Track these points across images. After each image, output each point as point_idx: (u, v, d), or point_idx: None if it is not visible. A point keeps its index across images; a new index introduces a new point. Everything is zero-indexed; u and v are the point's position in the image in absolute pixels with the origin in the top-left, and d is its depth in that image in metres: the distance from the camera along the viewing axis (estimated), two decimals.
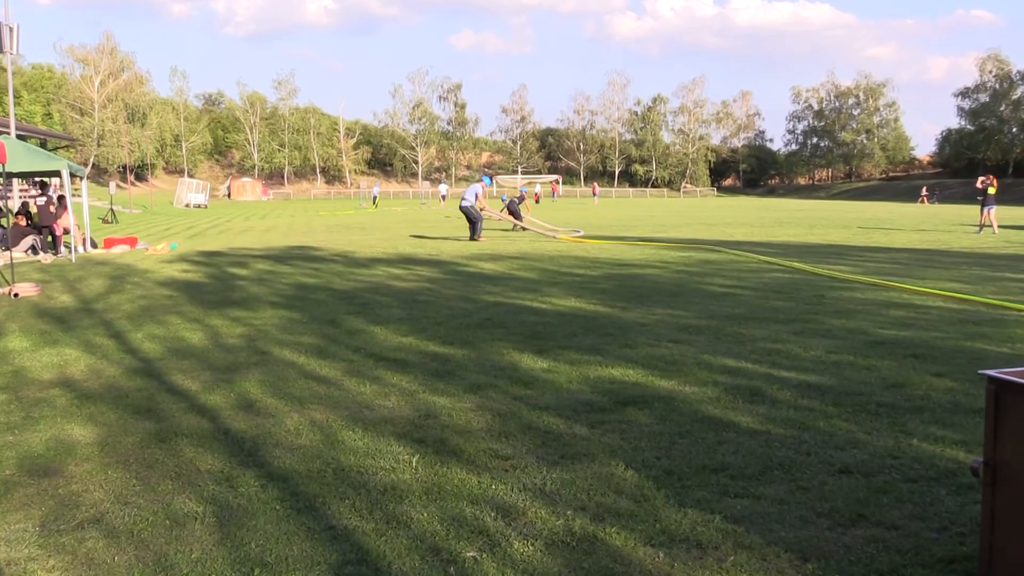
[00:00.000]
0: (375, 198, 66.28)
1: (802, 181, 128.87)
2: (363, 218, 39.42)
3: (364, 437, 4.83)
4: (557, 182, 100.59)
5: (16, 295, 11.04)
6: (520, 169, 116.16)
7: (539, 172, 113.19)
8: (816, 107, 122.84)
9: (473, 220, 21.59)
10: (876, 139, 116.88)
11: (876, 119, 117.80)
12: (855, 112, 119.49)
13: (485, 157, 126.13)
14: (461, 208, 22.04)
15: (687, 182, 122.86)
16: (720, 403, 5.43)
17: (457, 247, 19.00)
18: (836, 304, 9.63)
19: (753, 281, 11.97)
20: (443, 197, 68.46)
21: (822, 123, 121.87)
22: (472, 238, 21.30)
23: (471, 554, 3.31)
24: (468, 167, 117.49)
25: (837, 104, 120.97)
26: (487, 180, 23.87)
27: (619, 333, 7.89)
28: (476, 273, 13.45)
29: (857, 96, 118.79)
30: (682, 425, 4.97)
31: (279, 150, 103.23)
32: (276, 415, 5.30)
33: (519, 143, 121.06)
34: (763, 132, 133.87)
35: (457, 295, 10.78)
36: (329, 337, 7.92)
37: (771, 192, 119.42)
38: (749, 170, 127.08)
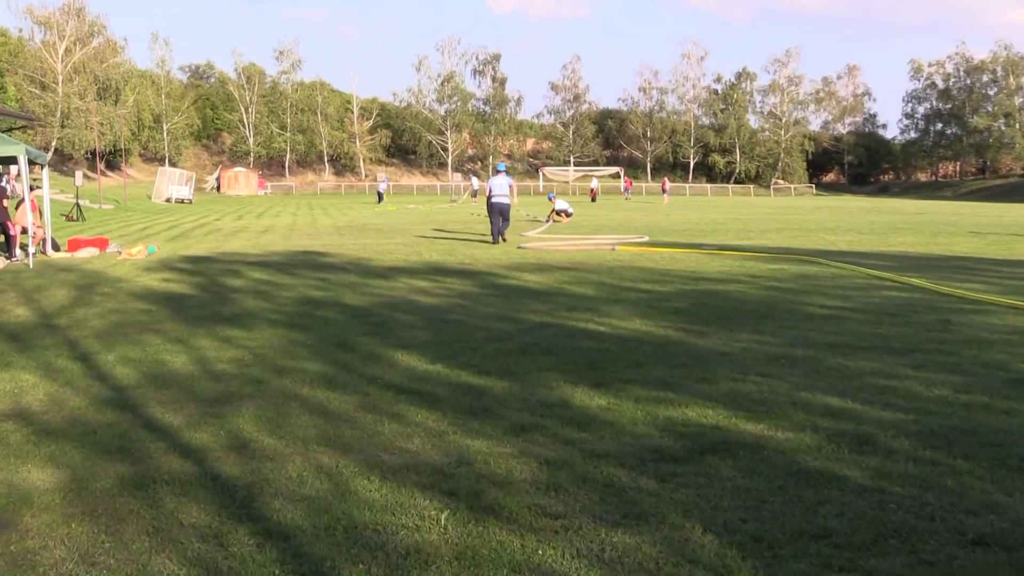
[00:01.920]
0: (381, 195, 65.95)
1: (923, 177, 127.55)
2: (380, 218, 39.69)
3: (382, 487, 4.86)
4: (618, 175, 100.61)
5: None
6: (573, 159, 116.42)
7: (596, 163, 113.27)
8: (941, 85, 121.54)
9: (506, 218, 23.24)
10: (1018, 125, 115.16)
11: (1018, 100, 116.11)
12: (991, 92, 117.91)
13: (530, 144, 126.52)
14: (496, 206, 23.07)
15: (778, 177, 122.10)
16: (821, 453, 5.38)
17: (494, 253, 19.06)
18: (966, 331, 9.49)
19: (861, 301, 11.84)
20: (475, 192, 68.71)
21: (949, 105, 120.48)
22: (503, 237, 23.03)
23: None
24: (509, 156, 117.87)
25: (968, 81, 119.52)
26: (502, 167, 25.22)
27: (695, 364, 7.85)
28: (518, 287, 13.46)
29: (994, 72, 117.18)
30: (773, 480, 4.92)
31: (279, 134, 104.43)
32: (275, 458, 5.34)
33: (571, 127, 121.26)
34: (874, 116, 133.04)
35: (495, 314, 10.80)
36: (340, 363, 7.98)
37: (884, 190, 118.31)
38: (856, 163, 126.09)
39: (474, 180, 71.09)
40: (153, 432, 5.90)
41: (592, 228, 30.44)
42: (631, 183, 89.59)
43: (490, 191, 23.56)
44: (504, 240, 23.14)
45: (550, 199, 37.09)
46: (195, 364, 7.97)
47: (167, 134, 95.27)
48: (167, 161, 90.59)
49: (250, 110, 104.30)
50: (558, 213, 34.53)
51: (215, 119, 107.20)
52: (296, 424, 6.06)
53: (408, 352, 8.44)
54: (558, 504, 4.61)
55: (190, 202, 64.60)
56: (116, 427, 6.01)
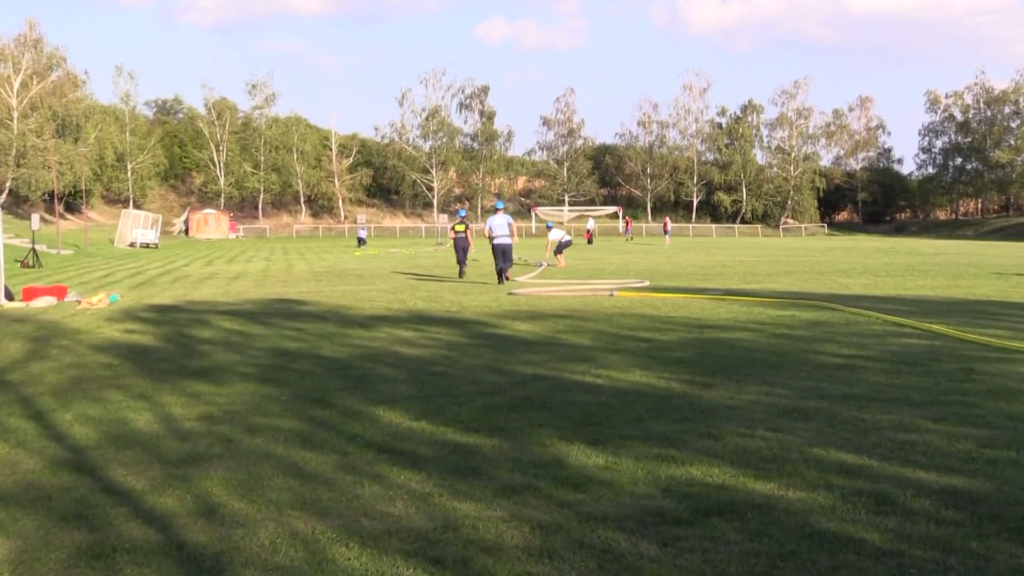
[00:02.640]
0: (362, 240, 66.39)
1: (942, 215, 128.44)
2: (361, 263, 39.74)
3: (362, 555, 4.83)
4: (617, 215, 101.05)
5: None
6: (568, 198, 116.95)
7: (592, 202, 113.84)
8: (960, 117, 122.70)
9: (508, 259, 24.95)
10: None
11: None
12: (1013, 124, 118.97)
13: (521, 182, 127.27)
14: (499, 247, 24.92)
15: (788, 216, 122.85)
16: (835, 514, 5.37)
17: (484, 301, 19.07)
18: (991, 381, 9.51)
19: (878, 349, 11.86)
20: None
21: (968, 139, 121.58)
22: (506, 276, 24.65)
23: None
24: (499, 195, 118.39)
25: (988, 113, 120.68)
26: (501, 205, 27.50)
27: (699, 418, 7.85)
28: (509, 337, 13.47)
29: (1016, 102, 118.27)
30: (784, 543, 4.91)
31: (252, 173, 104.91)
32: (247, 524, 5.32)
33: (566, 164, 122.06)
34: (889, 151, 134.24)
35: (484, 365, 10.80)
36: (316, 421, 7.96)
37: (900, 229, 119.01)
38: (871, 200, 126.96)
39: (447, 224, 71.25)
40: (113, 497, 5.87)
41: (589, 272, 30.52)
42: (631, 223, 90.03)
43: (490, 231, 25.20)
44: (508, 279, 24.72)
45: (548, 228, 37.62)
46: (160, 422, 7.95)
47: (131, 174, 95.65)
48: (131, 203, 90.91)
49: (221, 148, 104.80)
50: (557, 251, 34.72)
51: (183, 157, 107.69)
52: (269, 487, 6.04)
53: (390, 408, 8.42)
54: (552, 572, 4.59)
55: (156, 247, 64.69)
56: (73, 492, 5.98)
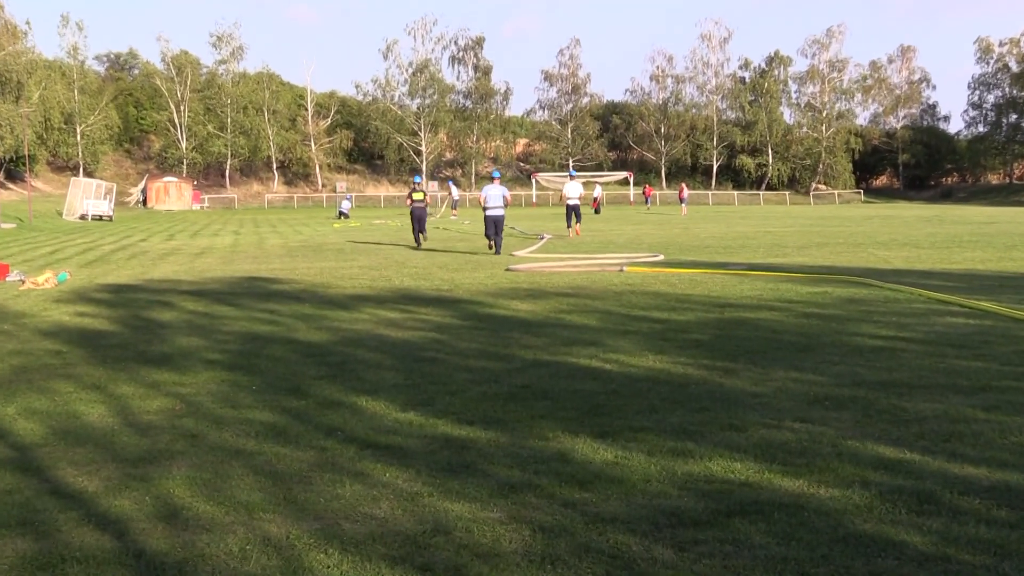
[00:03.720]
0: (341, 213, 66.12)
1: (994, 179, 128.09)
2: (340, 236, 39.71)
3: (342, 563, 4.84)
4: (627, 181, 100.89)
5: None
6: (572, 163, 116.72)
7: (600, 168, 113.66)
8: (1015, 68, 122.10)
9: (499, 230, 27.20)
10: None
11: None
12: None
13: (520, 146, 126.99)
14: (490, 217, 27.09)
15: (819, 181, 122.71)
16: (873, 514, 5.38)
17: (479, 278, 19.08)
18: None
19: (920, 329, 11.87)
20: (455, 204, 68.67)
21: None
22: (498, 252, 26.61)
23: None
24: (495, 160, 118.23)
25: None
26: (497, 175, 30.26)
27: (720, 408, 7.86)
28: (507, 318, 13.48)
29: None
30: (816, 547, 4.92)
31: (218, 136, 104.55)
32: (213, 529, 5.32)
33: (570, 125, 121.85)
34: (933, 107, 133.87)
35: (480, 350, 10.81)
36: (291, 412, 7.97)
37: (946, 195, 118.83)
38: (913, 163, 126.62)
39: (453, 189, 70.91)
40: (63, 500, 5.87)
41: (596, 245, 30.51)
42: (652, 191, 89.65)
43: (484, 200, 27.76)
44: (497, 253, 26.43)
45: (571, 176, 39.31)
46: (115, 416, 7.95)
47: (81, 137, 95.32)
48: (81, 170, 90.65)
49: (182, 108, 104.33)
50: (573, 218, 35.66)
51: (140, 119, 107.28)
52: (239, 487, 6.04)
53: (374, 398, 8.43)
54: None
55: (110, 219, 64.58)
56: (17, 495, 5.98)
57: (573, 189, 34.52)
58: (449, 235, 38.58)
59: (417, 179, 34.96)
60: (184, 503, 5.76)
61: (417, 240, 31.08)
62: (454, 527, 5.28)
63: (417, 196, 31.61)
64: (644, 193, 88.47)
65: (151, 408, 8.20)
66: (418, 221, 31.13)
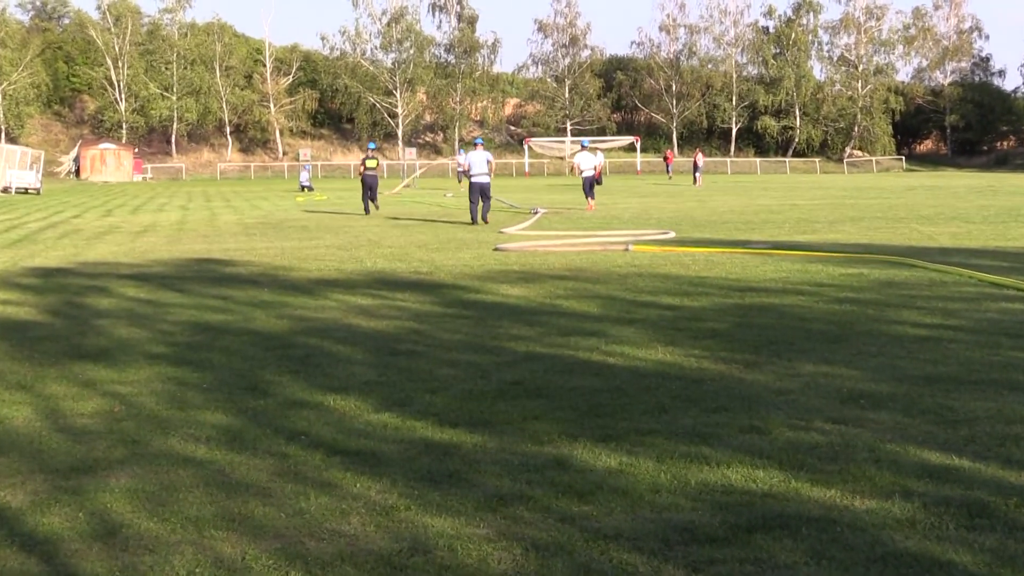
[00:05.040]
0: (304, 187, 65.69)
1: None
2: (305, 211, 39.67)
3: None
4: (633, 147, 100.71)
5: None
6: (571, 127, 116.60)
7: (603, 132, 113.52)
8: None
9: (487, 196, 29.80)
10: None
11: None
12: None
13: (510, 107, 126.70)
14: (476, 184, 29.35)
15: (854, 147, 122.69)
16: (916, 529, 5.38)
17: (463, 259, 19.07)
18: None
19: (971, 317, 11.88)
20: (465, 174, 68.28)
21: None
22: (484, 219, 29.31)
23: None
24: (480, 123, 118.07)
25: None
26: (480, 141, 32.30)
27: (740, 407, 7.86)
28: (496, 304, 13.47)
29: None
30: (850, 567, 4.93)
31: (162, 96, 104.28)
32: (157, 549, 5.31)
33: (567, 83, 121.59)
34: (986, 60, 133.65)
35: (464, 342, 10.81)
36: (248, 414, 7.96)
37: (1001, 163, 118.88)
38: (962, 125, 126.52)
39: (460, 157, 69.79)
40: None
41: (598, 221, 30.55)
42: (673, 157, 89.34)
43: (468, 167, 30.45)
44: (485, 223, 28.94)
45: (583, 146, 40.39)
46: (44, 419, 7.92)
47: (3, 97, 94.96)
48: (3, 136, 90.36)
49: (120, 64, 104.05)
50: (589, 189, 37.12)
51: (71, 76, 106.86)
52: (187, 500, 6.03)
53: (344, 396, 8.42)
54: None
55: (37, 192, 64.39)
56: None
57: (586, 160, 37.70)
58: (429, 210, 38.54)
59: (372, 146, 39.24)
60: (124, 519, 5.74)
61: (367, 208, 35.97)
62: (435, 545, 5.28)
63: (371, 163, 37.02)
64: (665, 159, 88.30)
65: (85, 410, 8.17)
66: (369, 189, 36.26)
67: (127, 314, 13.12)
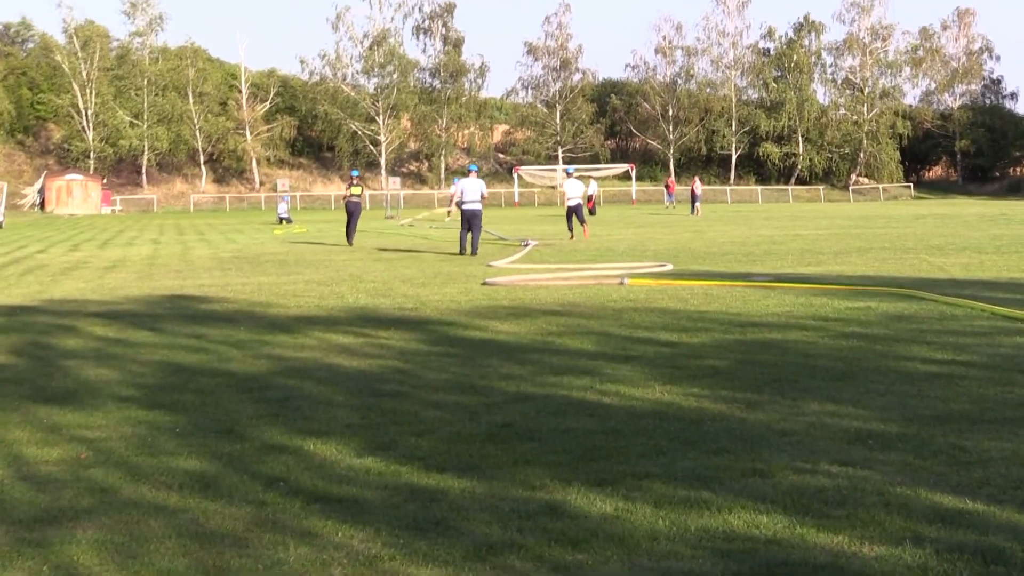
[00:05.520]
0: (282, 219, 65.37)
1: None
2: (283, 244, 39.67)
3: None
4: (628, 175, 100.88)
5: None
6: (562, 154, 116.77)
7: (595, 159, 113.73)
8: None
9: (477, 227, 30.63)
10: None
11: None
12: None
13: (499, 134, 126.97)
14: (467, 212, 30.29)
15: (860, 174, 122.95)
16: None
17: (450, 293, 19.08)
18: None
19: (984, 352, 11.89)
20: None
21: None
22: (473, 250, 29.95)
23: None
24: (467, 151, 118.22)
25: None
26: (474, 168, 32.97)
27: (742, 449, 7.87)
28: (485, 342, 13.48)
29: None
30: None
31: (132, 124, 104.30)
32: None
33: (559, 108, 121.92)
34: (998, 82, 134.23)
35: (452, 382, 10.79)
36: (223, 459, 7.94)
37: (1014, 190, 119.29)
38: (973, 151, 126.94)
39: (456, 185, 69.11)
40: None
41: (591, 253, 30.56)
42: (675, 185, 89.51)
43: (460, 195, 31.33)
44: (474, 254, 29.67)
45: (568, 173, 40.50)
46: (6, 467, 7.89)
47: None
48: None
49: (88, 90, 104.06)
50: (573, 218, 37.59)
51: (36, 103, 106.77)
52: (159, 552, 6.00)
53: (324, 441, 8.41)
54: None
55: (1, 226, 64.33)
56: None
57: (573, 188, 37.85)
58: (414, 242, 38.58)
59: (355, 173, 40.30)
60: (91, 573, 5.72)
61: (350, 240, 37.22)
62: None
63: (355, 190, 38.72)
64: (666, 188, 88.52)
65: (50, 457, 8.15)
66: (350, 216, 37.77)
67: (95, 354, 13.10)
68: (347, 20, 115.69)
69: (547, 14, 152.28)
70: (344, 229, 38.67)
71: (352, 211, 37.85)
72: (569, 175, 40.62)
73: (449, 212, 62.08)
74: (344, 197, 39.74)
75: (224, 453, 8.12)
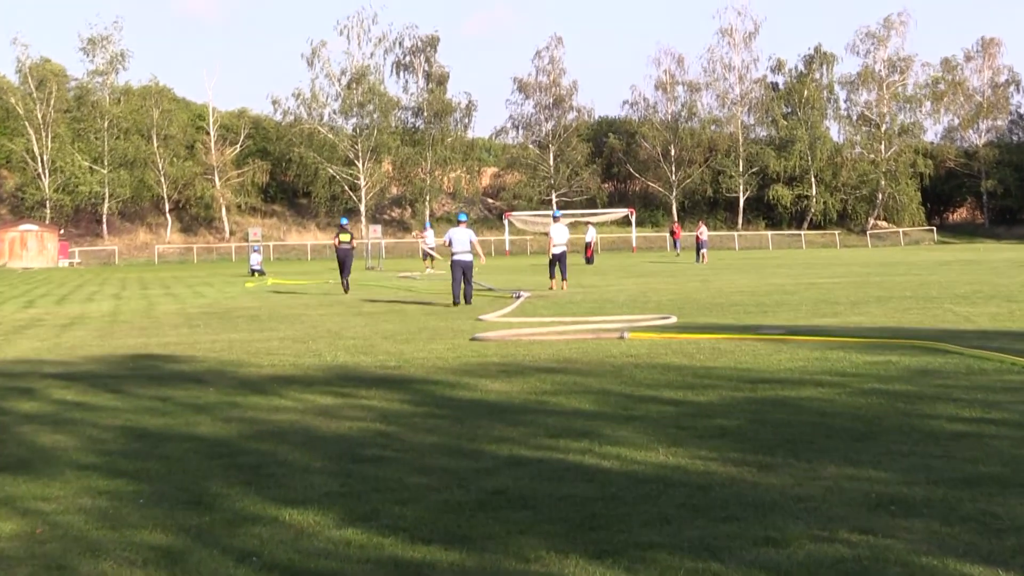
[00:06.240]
0: (254, 271, 65.04)
1: None
2: (256, 298, 39.71)
3: None
4: (628, 220, 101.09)
5: None
6: (556, 198, 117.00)
7: (592, 203, 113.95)
8: None
9: (469, 278, 31.70)
10: None
11: None
12: None
13: (488, 177, 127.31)
14: (458, 262, 31.12)
15: (878, 217, 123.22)
16: None
17: (436, 350, 19.08)
18: None
19: (1016, 409, 11.90)
20: (427, 255, 67.79)
21: None
22: (467, 300, 31.14)
23: None
24: (452, 195, 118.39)
25: None
26: (464, 217, 34.16)
27: (753, 515, 7.86)
28: (474, 402, 13.47)
29: None
30: None
31: (92, 170, 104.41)
32: None
33: (552, 148, 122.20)
34: None
35: (439, 445, 10.79)
36: (191, 532, 7.92)
37: None
38: (1000, 191, 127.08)
39: (428, 234, 67.83)
40: None
41: (589, 305, 30.59)
42: (680, 231, 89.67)
43: (450, 244, 32.12)
44: (468, 303, 31.01)
45: (555, 218, 40.94)
46: None
47: None
48: None
49: (44, 134, 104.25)
50: (554, 267, 38.74)
51: None
52: None
53: (301, 510, 8.40)
54: None
55: None
56: None
57: (559, 234, 38.87)
58: (396, 294, 38.60)
59: (344, 220, 44.74)
60: None
61: (345, 286, 40.39)
62: None
63: (344, 237, 41.73)
64: (672, 234, 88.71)
65: (3, 531, 8.12)
66: (341, 264, 41.02)
67: (52, 419, 13.08)
68: (323, 56, 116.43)
69: (538, 48, 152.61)
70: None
71: (343, 259, 40.94)
72: (556, 219, 42.36)
73: (431, 262, 62.15)
74: (334, 246, 42.51)
75: (192, 525, 8.09)
